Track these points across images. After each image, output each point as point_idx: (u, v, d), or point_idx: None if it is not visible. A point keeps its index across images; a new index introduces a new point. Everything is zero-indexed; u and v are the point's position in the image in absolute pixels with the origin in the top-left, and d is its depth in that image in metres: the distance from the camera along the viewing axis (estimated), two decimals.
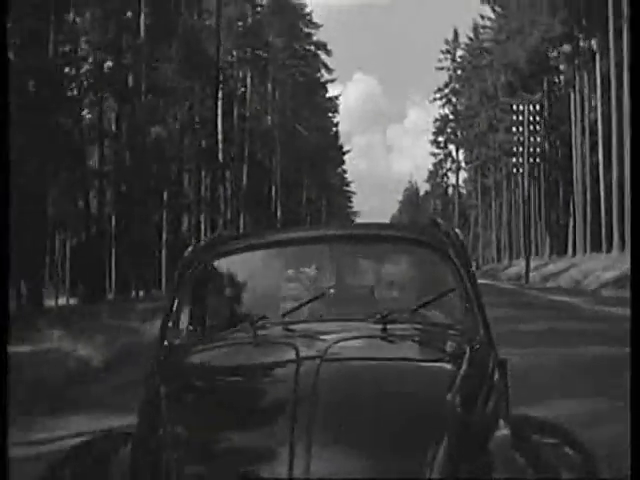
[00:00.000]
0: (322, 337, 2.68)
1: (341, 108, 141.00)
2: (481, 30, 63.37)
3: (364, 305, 3.17)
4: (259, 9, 47.53)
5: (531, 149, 48.04)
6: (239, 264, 3.38)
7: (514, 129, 49.05)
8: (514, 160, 50.20)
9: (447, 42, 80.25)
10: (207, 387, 2.71)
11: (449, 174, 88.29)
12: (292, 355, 2.47)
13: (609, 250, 38.96)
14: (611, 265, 32.46)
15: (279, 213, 57.05)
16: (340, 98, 70.58)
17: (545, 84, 50.07)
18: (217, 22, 37.66)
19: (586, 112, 44.32)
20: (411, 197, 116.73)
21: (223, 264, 3.39)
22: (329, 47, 55.90)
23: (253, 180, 47.69)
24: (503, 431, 2.32)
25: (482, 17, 62.77)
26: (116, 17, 31.39)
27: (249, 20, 46.25)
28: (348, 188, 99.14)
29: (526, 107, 47.97)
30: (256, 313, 3.02)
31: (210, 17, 40.37)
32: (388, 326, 2.83)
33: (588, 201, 44.26)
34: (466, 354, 2.75)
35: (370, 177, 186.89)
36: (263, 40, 47.59)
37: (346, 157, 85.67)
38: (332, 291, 3.23)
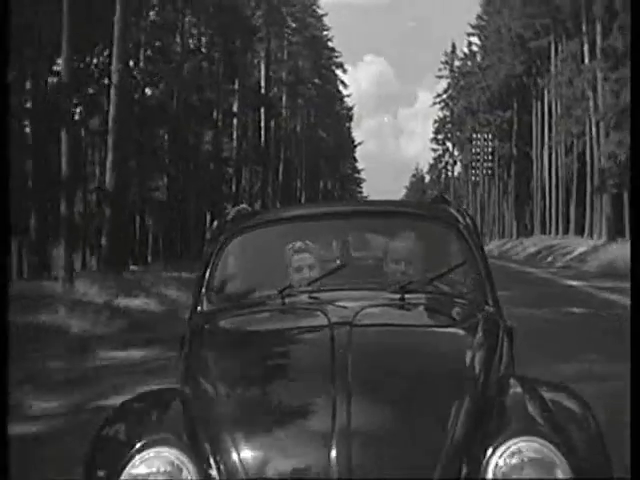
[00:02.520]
0: (347, 305, 2.90)
1: (351, 89, 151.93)
2: (469, 54, 77.17)
3: (375, 276, 3.45)
4: (293, 42, 61.32)
5: (500, 154, 62.46)
6: (262, 236, 3.59)
7: (490, 136, 63.54)
8: (490, 164, 64.79)
9: (446, 54, 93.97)
10: (247, 349, 2.87)
11: (448, 167, 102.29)
12: (324, 321, 2.69)
13: (551, 233, 53.34)
14: (537, 243, 47.26)
15: (303, 199, 71.13)
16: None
17: (515, 104, 63.96)
18: (267, 61, 51.85)
19: (543, 127, 58.46)
20: (417, 183, 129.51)
21: (248, 237, 3.56)
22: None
23: (285, 175, 61.73)
24: (516, 389, 2.49)
25: (470, 43, 76.75)
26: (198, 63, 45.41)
27: (285, 51, 60.08)
28: (358, 175, 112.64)
29: (498, 121, 62.32)
30: (277, 282, 3.25)
31: (256, 53, 54.18)
32: (406, 295, 3.05)
33: (545, 193, 58.31)
34: (479, 321, 2.98)
35: (380, 159, 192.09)
36: (295, 65, 61.46)
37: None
38: (342, 263, 3.47)
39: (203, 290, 3.37)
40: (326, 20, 65.37)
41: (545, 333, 9.88)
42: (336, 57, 69.74)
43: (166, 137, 39.67)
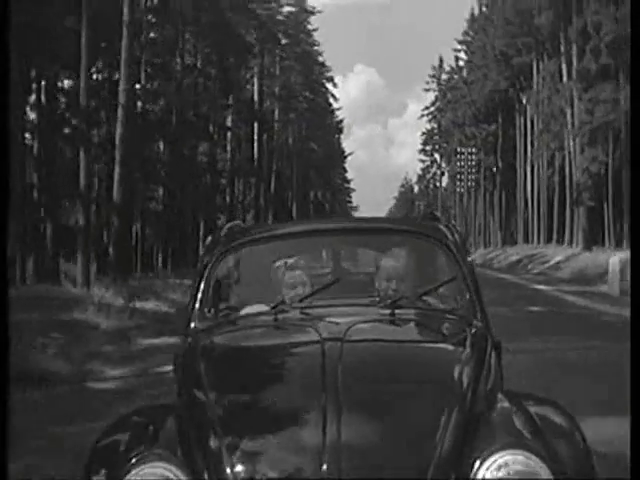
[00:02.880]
0: (338, 320, 2.94)
1: (342, 98, 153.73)
2: (455, 68, 79.45)
3: (366, 292, 3.47)
4: (285, 57, 63.35)
5: (485, 166, 64.60)
6: (255, 253, 3.66)
7: (475, 149, 65.77)
8: (475, 175, 67.01)
9: (433, 68, 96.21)
10: (241, 365, 2.92)
11: (435, 178, 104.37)
12: (315, 337, 2.76)
13: (534, 242, 55.46)
14: (519, 252, 49.39)
15: (294, 209, 73.08)
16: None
17: (500, 118, 66.14)
18: (260, 77, 53.91)
19: (526, 141, 60.70)
20: (406, 193, 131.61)
21: (241, 253, 3.64)
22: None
23: (277, 186, 63.70)
24: (503, 403, 2.59)
25: (457, 58, 79.01)
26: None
27: (277, 66, 62.13)
28: (348, 186, 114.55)
29: (484, 134, 64.55)
30: (270, 298, 3.33)
31: (250, 70, 56.16)
32: (396, 311, 3.12)
33: (528, 204, 60.44)
34: (467, 336, 3.04)
35: (370, 169, 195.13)
36: (287, 80, 63.47)
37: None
38: (333, 279, 3.51)
39: (197, 306, 3.41)
40: (316, 34, 67.57)
41: (506, 322, 12.01)
42: (326, 71, 71.91)
43: (162, 150, 41.50)
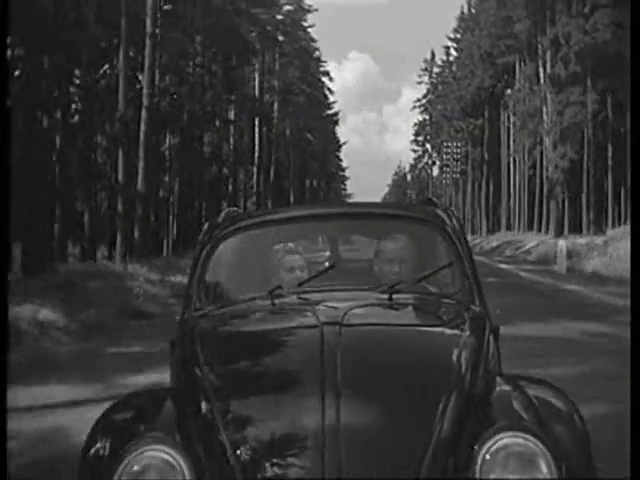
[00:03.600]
0: (336, 305, 2.92)
1: (336, 85, 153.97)
2: (445, 63, 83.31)
3: (363, 277, 3.48)
4: (283, 53, 67.11)
5: (472, 157, 68.64)
6: (253, 238, 3.65)
7: (463, 142, 69.84)
8: (463, 167, 71.10)
9: (425, 61, 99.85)
10: (238, 349, 2.93)
11: (427, 167, 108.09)
12: (313, 321, 2.73)
13: (515, 230, 59.56)
14: (500, 239, 53.61)
15: (292, 196, 77.07)
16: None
17: (486, 113, 70.08)
18: (260, 73, 57.75)
19: (509, 135, 64.71)
20: (399, 181, 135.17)
21: (238, 238, 3.61)
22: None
23: (276, 175, 67.60)
24: (502, 387, 2.59)
25: (447, 53, 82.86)
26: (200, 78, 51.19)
27: (277, 62, 65.90)
28: (343, 173, 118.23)
29: (471, 127, 68.58)
30: (267, 283, 3.28)
31: (251, 66, 59.90)
32: (394, 296, 3.09)
33: (511, 194, 64.52)
34: (465, 320, 3.06)
35: (364, 155, 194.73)
36: (285, 75, 67.29)
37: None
38: (331, 264, 3.52)
39: (194, 291, 3.44)
40: (313, 23, 71.26)
41: None
42: (322, 66, 75.79)
43: (168, 142, 45.29)
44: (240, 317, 3.25)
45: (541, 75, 47.12)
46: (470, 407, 2.42)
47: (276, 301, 3.14)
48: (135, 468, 2.25)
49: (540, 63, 46.50)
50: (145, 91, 30.75)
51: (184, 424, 2.43)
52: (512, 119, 60.45)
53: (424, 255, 3.61)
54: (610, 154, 38.65)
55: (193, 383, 2.64)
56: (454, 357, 2.69)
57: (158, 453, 2.27)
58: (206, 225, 3.88)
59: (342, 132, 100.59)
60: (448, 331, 3.10)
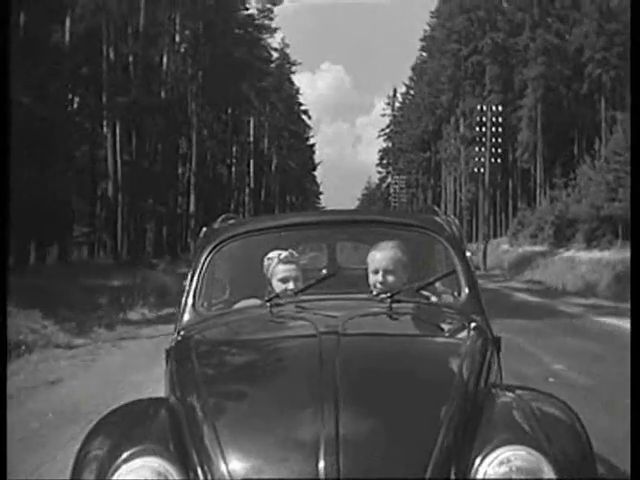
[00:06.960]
0: (335, 314, 2.89)
1: (309, 96, 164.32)
2: (403, 102, 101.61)
3: (362, 285, 3.38)
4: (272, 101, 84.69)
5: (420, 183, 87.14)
6: (249, 245, 3.61)
7: (414, 171, 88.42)
8: (414, 190, 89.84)
9: (388, 97, 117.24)
10: (234, 358, 2.93)
11: (390, 187, 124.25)
12: (312, 330, 2.70)
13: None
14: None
15: (276, 208, 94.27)
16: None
17: (432, 147, 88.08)
18: (255, 121, 75.34)
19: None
20: (370, 196, 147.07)
21: (234, 246, 3.56)
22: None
23: (265, 193, 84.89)
24: (503, 398, 2.55)
25: (407, 91, 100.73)
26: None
27: (267, 108, 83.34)
28: (317, 189, 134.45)
29: (420, 159, 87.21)
30: (264, 291, 3.30)
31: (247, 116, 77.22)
32: (393, 305, 3.07)
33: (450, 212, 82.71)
34: (466, 330, 3.03)
35: (338, 167, 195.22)
36: (273, 117, 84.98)
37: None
38: (328, 272, 3.52)
39: (190, 299, 3.39)
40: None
41: None
42: (302, 107, 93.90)
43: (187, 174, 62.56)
44: (237, 326, 3.24)
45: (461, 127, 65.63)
46: (471, 419, 2.37)
47: (274, 309, 3.14)
48: (128, 478, 2.23)
49: (454, 127, 65.21)
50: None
51: (178, 435, 2.38)
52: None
53: (424, 264, 3.67)
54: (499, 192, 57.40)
55: (188, 393, 2.58)
56: (454, 367, 2.66)
57: (151, 464, 2.25)
58: (203, 231, 3.84)
59: (314, 142, 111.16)
60: (448, 341, 3.09)
